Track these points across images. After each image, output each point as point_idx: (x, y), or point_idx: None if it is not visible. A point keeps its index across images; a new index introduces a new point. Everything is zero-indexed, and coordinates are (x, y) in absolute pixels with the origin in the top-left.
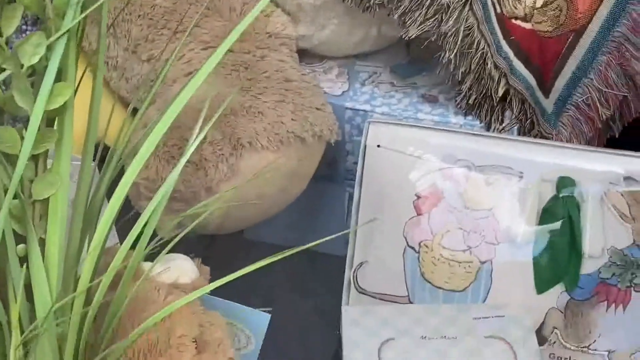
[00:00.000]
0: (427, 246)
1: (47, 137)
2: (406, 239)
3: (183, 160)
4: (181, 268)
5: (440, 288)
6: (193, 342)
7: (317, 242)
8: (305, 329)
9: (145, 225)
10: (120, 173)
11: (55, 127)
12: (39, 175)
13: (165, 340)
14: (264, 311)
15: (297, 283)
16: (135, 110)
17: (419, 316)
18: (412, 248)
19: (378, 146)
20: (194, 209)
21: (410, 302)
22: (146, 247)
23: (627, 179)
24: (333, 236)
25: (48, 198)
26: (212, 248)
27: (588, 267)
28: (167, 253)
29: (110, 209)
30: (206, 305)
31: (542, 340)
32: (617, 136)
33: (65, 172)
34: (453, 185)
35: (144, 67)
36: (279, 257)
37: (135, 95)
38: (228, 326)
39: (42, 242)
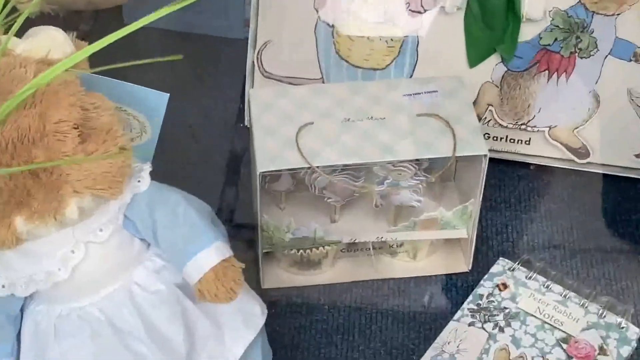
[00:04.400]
0: (342, 19)
1: None
2: (317, 12)
3: None
4: (52, 41)
5: (359, 67)
6: (75, 129)
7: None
8: (208, 119)
9: None
10: None
11: None
12: None
13: (39, 128)
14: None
15: (197, 71)
16: None
17: (341, 96)
18: (326, 23)
19: None
20: None
21: None
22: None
23: None
24: None
25: None
26: (93, 26)
27: (527, 32)
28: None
29: None
30: (90, 87)
31: None
32: None
33: None
34: None
35: None
36: None
37: None
38: (117, 112)
39: None
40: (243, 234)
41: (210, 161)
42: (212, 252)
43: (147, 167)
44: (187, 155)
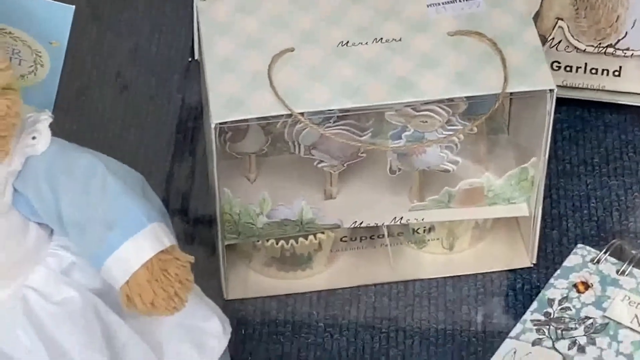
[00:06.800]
0: None
1: None
2: None
3: None
4: None
5: None
6: None
7: None
8: (141, 54)
9: None
10: None
11: None
12: None
13: None
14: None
15: None
16: None
17: (333, 8)
18: None
19: None
20: None
21: None
22: None
23: None
24: None
25: None
26: None
27: None
28: None
29: None
30: None
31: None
32: None
33: None
34: None
35: None
36: None
37: None
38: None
39: None
40: (196, 223)
41: (145, 117)
42: (143, 240)
43: (46, 118)
44: (112, 108)
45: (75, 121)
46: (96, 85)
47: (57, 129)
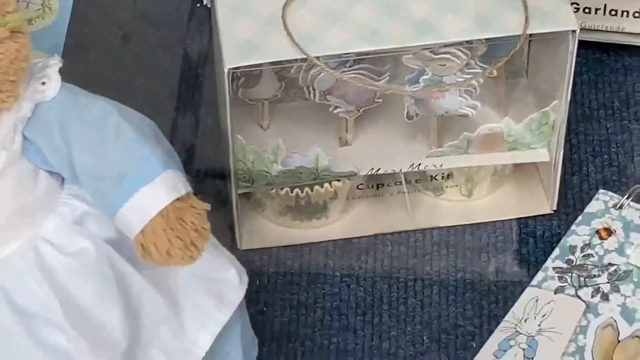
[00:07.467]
0: None
1: None
2: None
3: None
4: None
5: None
6: None
7: None
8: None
9: None
10: None
11: None
12: None
13: None
14: None
15: None
16: None
17: None
18: None
19: None
20: None
21: None
22: None
23: None
24: None
25: None
26: None
27: None
28: None
29: None
30: None
31: None
32: None
33: None
34: None
35: None
36: None
37: None
38: None
39: None
40: (201, 175)
41: (148, 68)
42: (159, 187)
43: (56, 63)
44: (114, 59)
45: (75, 75)
46: (98, 36)
47: None
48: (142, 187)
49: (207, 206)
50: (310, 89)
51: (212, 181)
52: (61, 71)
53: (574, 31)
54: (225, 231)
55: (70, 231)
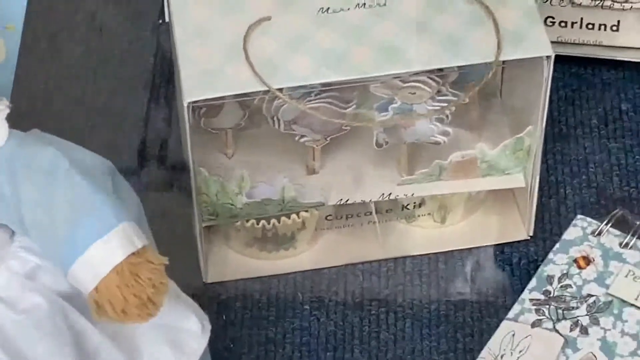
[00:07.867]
0: None
1: None
2: None
3: None
4: None
5: None
6: None
7: None
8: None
9: None
10: None
11: None
12: None
13: None
14: None
15: None
16: None
17: None
18: None
19: None
20: None
21: None
22: None
23: None
24: None
25: None
26: None
27: None
28: None
29: None
30: None
31: None
32: None
33: None
34: None
35: None
36: None
37: None
38: None
39: None
40: (174, 168)
41: (120, 61)
42: (112, 242)
43: (2, 109)
44: (86, 51)
45: (47, 66)
46: (70, 28)
47: (30, 75)
48: (95, 241)
49: (165, 260)
50: (275, 118)
51: (183, 175)
52: (9, 118)
53: (548, 57)
54: (190, 264)
55: (21, 286)
